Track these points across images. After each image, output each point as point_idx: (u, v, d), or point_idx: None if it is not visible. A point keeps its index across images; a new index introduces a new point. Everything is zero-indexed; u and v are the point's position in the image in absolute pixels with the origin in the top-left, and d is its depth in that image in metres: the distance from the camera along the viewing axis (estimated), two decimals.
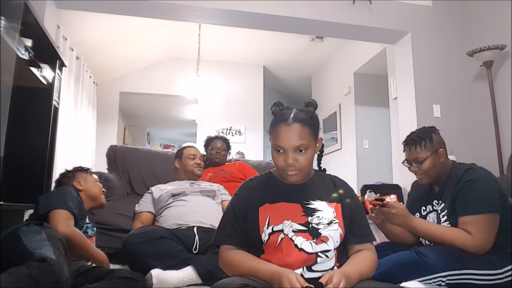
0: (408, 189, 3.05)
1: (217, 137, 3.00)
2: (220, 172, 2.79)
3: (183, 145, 2.60)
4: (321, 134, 1.20)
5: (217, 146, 2.91)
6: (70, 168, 1.89)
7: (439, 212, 1.58)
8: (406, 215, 1.53)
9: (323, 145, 1.24)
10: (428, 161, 1.58)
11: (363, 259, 1.12)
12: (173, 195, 2.20)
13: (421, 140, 1.59)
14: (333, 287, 0.94)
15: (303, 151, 1.12)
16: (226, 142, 2.99)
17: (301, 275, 1.04)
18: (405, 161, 1.66)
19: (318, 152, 1.25)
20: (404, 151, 1.67)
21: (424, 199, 1.70)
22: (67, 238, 1.42)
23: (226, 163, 2.94)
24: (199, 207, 2.13)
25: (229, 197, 2.40)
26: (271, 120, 1.19)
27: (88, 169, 1.91)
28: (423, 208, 1.69)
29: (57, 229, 1.44)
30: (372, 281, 1.13)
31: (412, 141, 1.61)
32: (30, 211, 2.09)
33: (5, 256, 1.23)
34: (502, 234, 1.42)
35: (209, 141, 2.97)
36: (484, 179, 1.46)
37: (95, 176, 1.91)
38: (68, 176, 1.81)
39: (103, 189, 1.90)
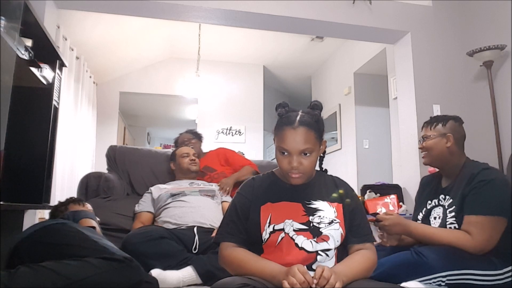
0: (408, 189, 3.06)
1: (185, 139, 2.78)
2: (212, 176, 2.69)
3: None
4: None
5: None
6: (63, 199, 1.81)
7: (446, 207, 1.56)
8: (401, 223, 1.53)
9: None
10: (432, 140, 1.63)
11: (359, 259, 1.12)
12: (172, 195, 2.20)
13: (435, 121, 1.66)
14: (329, 287, 0.94)
15: (308, 154, 1.13)
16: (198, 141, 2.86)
17: None
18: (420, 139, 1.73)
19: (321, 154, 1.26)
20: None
21: (431, 193, 1.69)
22: None
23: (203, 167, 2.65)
24: (198, 207, 2.13)
25: (229, 199, 2.41)
26: (277, 121, 1.19)
27: (80, 200, 1.84)
28: (429, 202, 1.68)
29: None
30: (372, 281, 1.13)
31: (429, 121, 1.70)
32: (30, 211, 2.10)
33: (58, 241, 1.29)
34: (503, 236, 1.42)
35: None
36: (499, 181, 1.45)
37: (89, 206, 1.84)
38: (61, 209, 1.75)
39: (98, 218, 1.82)
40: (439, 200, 1.63)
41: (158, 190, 2.27)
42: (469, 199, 1.46)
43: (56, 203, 1.82)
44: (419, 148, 1.71)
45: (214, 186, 2.39)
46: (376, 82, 4.63)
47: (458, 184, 1.55)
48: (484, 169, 1.50)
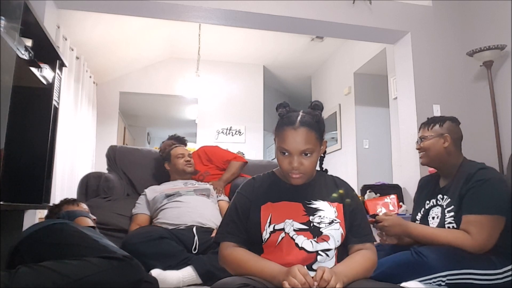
0: (408, 189, 3.06)
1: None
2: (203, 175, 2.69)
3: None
4: None
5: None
6: (57, 201, 1.81)
7: (445, 207, 1.57)
8: (400, 224, 1.53)
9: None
10: (429, 141, 1.64)
11: (359, 259, 1.12)
12: (167, 196, 2.19)
13: (433, 122, 1.67)
14: (329, 287, 0.94)
15: (308, 154, 1.13)
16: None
17: None
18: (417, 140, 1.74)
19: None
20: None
21: (429, 193, 1.70)
22: None
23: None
24: (196, 207, 2.12)
25: (226, 197, 2.41)
26: (277, 121, 1.19)
27: (75, 200, 1.83)
28: (427, 202, 1.68)
29: None
30: (372, 281, 1.13)
31: (426, 122, 1.71)
32: (30, 211, 2.09)
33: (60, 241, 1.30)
34: (503, 235, 1.42)
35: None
36: (496, 180, 1.46)
37: (84, 206, 1.83)
38: (55, 211, 1.74)
39: (94, 217, 1.82)
40: (437, 200, 1.64)
41: (153, 191, 2.27)
42: (467, 199, 1.46)
43: (56, 203, 1.82)
44: (417, 149, 1.72)
45: (208, 185, 2.39)
46: (376, 82, 4.63)
47: (456, 184, 1.56)
48: (481, 168, 1.50)
